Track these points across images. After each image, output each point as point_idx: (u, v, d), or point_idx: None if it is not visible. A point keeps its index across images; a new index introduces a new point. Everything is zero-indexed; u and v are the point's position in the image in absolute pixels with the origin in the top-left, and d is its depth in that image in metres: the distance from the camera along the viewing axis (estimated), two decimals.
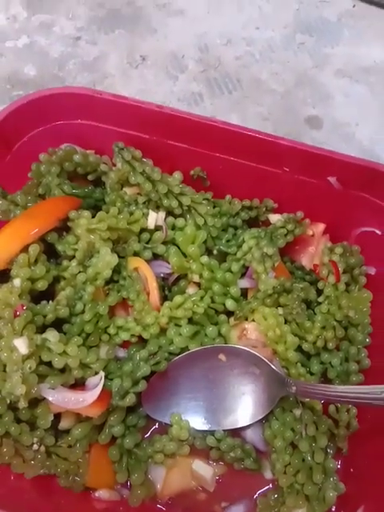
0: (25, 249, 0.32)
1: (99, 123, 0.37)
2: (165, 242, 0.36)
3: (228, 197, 0.38)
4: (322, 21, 0.62)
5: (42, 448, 0.28)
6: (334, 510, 0.31)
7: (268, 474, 0.32)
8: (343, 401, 0.30)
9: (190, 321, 0.33)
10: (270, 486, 0.32)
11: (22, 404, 0.27)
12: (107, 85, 0.55)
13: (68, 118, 0.36)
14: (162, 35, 0.60)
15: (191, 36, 0.60)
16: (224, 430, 0.32)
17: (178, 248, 0.35)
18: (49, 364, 0.29)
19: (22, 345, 0.28)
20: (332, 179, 0.34)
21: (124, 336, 0.32)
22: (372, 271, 0.37)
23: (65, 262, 0.33)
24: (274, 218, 0.37)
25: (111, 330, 0.32)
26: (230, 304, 0.34)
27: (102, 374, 0.29)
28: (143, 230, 0.35)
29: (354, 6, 0.66)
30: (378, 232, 0.36)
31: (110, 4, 0.63)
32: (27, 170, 0.35)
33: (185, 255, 0.35)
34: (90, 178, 0.38)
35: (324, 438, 0.32)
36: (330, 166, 0.34)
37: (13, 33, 0.58)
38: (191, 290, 0.35)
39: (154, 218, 0.35)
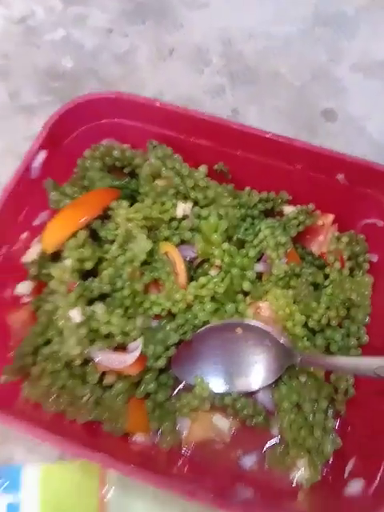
0: (74, 234, 0.38)
1: (134, 122, 0.42)
2: (191, 230, 0.40)
3: (247, 189, 0.42)
4: (340, 14, 0.64)
5: (91, 399, 0.34)
6: (331, 461, 0.36)
7: (275, 431, 0.38)
8: (341, 370, 0.35)
9: (212, 299, 0.38)
10: (277, 440, 0.37)
11: (77, 362, 0.33)
12: (137, 77, 0.58)
13: (108, 117, 0.41)
14: (188, 29, 0.63)
15: (215, 30, 0.62)
16: (239, 392, 0.37)
17: (203, 235, 0.40)
18: (96, 331, 0.35)
19: (76, 315, 0.33)
20: (340, 176, 0.39)
21: (156, 310, 0.37)
22: (374, 258, 0.42)
23: (106, 246, 0.38)
24: (288, 209, 0.42)
25: (146, 305, 0.37)
26: (246, 285, 0.39)
27: (141, 340, 0.35)
28: (172, 218, 0.40)
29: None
30: (379, 224, 0.40)
31: None
32: (74, 164, 0.41)
33: (209, 242, 0.40)
34: (125, 170, 0.43)
35: (324, 402, 0.37)
36: (338, 165, 0.38)
37: (50, 25, 0.62)
38: (213, 272, 0.40)
39: (182, 208, 0.40)
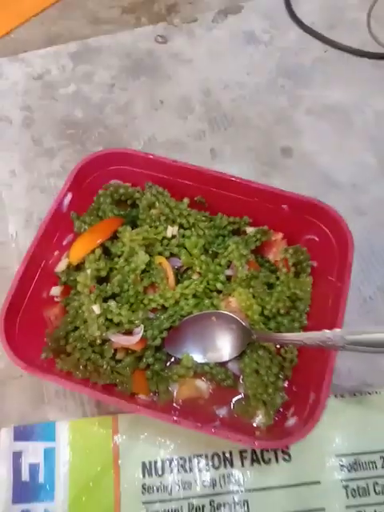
0: (92, 251, 0.52)
1: (134, 168, 0.55)
2: (178, 246, 0.54)
3: (219, 214, 0.57)
4: (299, 66, 0.77)
5: (108, 368, 0.48)
6: (281, 410, 0.50)
7: (241, 389, 0.51)
8: (284, 342, 0.48)
9: (194, 296, 0.52)
10: (242, 396, 0.51)
11: (98, 341, 0.48)
12: (135, 125, 0.71)
13: (116, 164, 0.55)
14: (175, 81, 0.76)
15: (197, 81, 0.75)
16: (214, 363, 0.51)
17: (186, 249, 0.54)
18: (111, 320, 0.49)
19: (96, 308, 0.47)
20: (284, 206, 0.53)
21: (153, 304, 0.51)
22: (314, 264, 0.56)
23: (116, 259, 0.52)
24: (250, 229, 0.56)
25: (145, 301, 0.51)
26: (219, 285, 0.53)
27: (142, 326, 0.49)
28: (164, 238, 0.53)
29: (325, 52, 0.82)
30: (316, 239, 0.55)
31: (135, 54, 0.79)
32: (91, 200, 0.55)
33: (191, 254, 0.54)
34: (128, 202, 0.58)
35: (276, 368, 0.50)
36: (282, 198, 0.52)
37: (63, 81, 0.76)
38: (195, 276, 0.53)
39: (171, 231, 0.54)
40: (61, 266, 0.52)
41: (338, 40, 0.80)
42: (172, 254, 0.55)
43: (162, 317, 0.51)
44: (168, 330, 0.51)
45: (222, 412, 0.51)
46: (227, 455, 0.50)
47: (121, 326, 0.49)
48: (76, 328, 0.50)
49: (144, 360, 0.50)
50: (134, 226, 0.55)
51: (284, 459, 0.49)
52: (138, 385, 0.50)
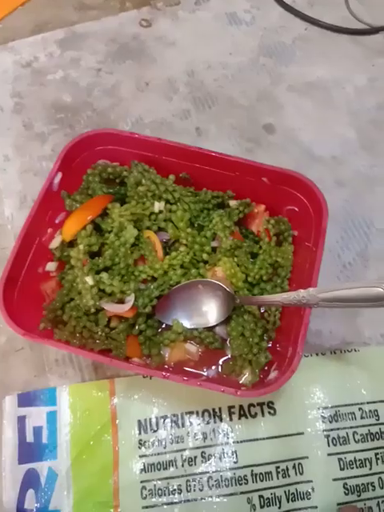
0: (83, 228, 0.55)
1: (121, 148, 0.58)
2: (165, 220, 0.57)
3: (204, 189, 0.60)
4: (280, 44, 0.79)
5: (103, 334, 0.52)
6: (265, 368, 0.54)
7: (228, 352, 0.54)
8: (266, 303, 0.52)
9: (182, 267, 0.55)
10: (229, 357, 0.55)
11: (92, 310, 0.51)
12: (122, 106, 0.73)
13: (103, 145, 0.58)
14: (159, 64, 0.78)
15: (181, 63, 0.77)
16: (203, 327, 0.54)
17: (173, 223, 0.57)
18: (103, 291, 0.52)
19: (89, 279, 0.51)
20: (264, 179, 0.56)
21: (143, 276, 0.54)
22: (295, 233, 0.59)
23: (106, 235, 0.55)
24: (233, 203, 0.59)
25: (136, 273, 0.54)
26: (205, 256, 0.56)
27: (133, 295, 0.52)
28: (152, 213, 0.57)
29: (305, 29, 0.84)
30: (296, 209, 0.58)
31: (120, 39, 0.80)
32: (80, 177, 0.58)
33: (177, 228, 0.57)
34: (117, 181, 0.61)
35: (260, 330, 0.54)
36: (261, 171, 0.55)
37: (52, 68, 0.77)
38: (182, 248, 0.56)
39: (158, 206, 0.57)
40: (55, 243, 0.55)
41: (318, 18, 0.82)
42: (160, 229, 0.58)
43: (152, 286, 0.54)
44: (158, 299, 0.54)
45: (211, 372, 0.54)
46: (217, 411, 0.54)
47: (113, 296, 0.52)
48: (71, 299, 0.53)
49: (137, 326, 0.54)
50: (122, 202, 0.58)
51: (269, 413, 0.53)
52: (132, 349, 0.53)
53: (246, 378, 0.53)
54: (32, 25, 0.84)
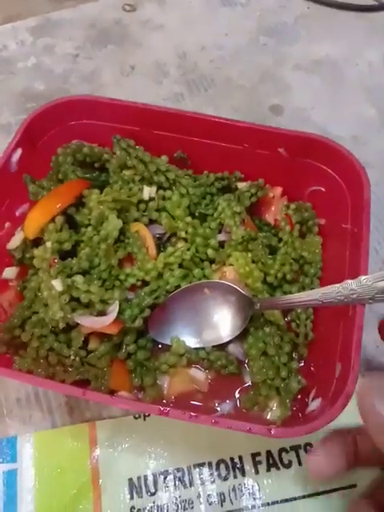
0: (52, 220, 0.42)
1: (100, 122, 0.46)
2: (157, 210, 0.45)
3: (205, 172, 0.48)
4: (281, 24, 0.73)
5: (77, 359, 0.38)
6: (299, 397, 0.40)
7: (247, 378, 0.41)
8: (297, 304, 0.37)
9: (181, 266, 0.42)
10: (249, 384, 0.41)
11: (61, 325, 0.37)
12: (103, 93, 0.63)
13: (77, 119, 0.46)
14: (146, 48, 0.70)
15: (171, 46, 0.70)
16: (212, 346, 0.41)
17: (168, 212, 0.45)
18: (77, 300, 0.39)
19: (57, 284, 0.37)
20: (281, 150, 0.44)
21: (131, 280, 0.41)
22: (322, 221, 0.47)
23: (82, 230, 0.43)
24: (242, 185, 0.47)
25: (121, 277, 0.41)
26: (210, 252, 0.43)
27: (117, 302, 0.39)
28: (140, 201, 0.45)
29: (308, 8, 0.76)
30: (322, 189, 0.46)
31: (100, 24, 0.73)
32: (49, 161, 0.46)
33: (173, 218, 0.45)
34: (96, 165, 0.48)
35: (288, 345, 0.41)
36: (278, 139, 0.43)
37: (22, 56, 0.69)
38: (180, 244, 0.44)
39: (148, 192, 0.45)
40: (15, 242, 0.43)
41: None
42: (151, 221, 0.45)
43: (143, 292, 0.41)
44: (151, 309, 0.41)
45: (225, 407, 0.40)
46: (236, 461, 0.40)
47: (91, 307, 0.39)
48: (34, 313, 0.40)
49: (124, 348, 0.40)
50: (102, 191, 0.45)
51: None
52: (118, 379, 0.39)
53: (273, 412, 0.39)
54: (4, 15, 0.75)
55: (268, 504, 0.38)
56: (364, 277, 0.33)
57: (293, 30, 0.72)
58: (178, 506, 0.38)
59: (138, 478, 0.39)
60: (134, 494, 0.38)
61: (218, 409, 0.40)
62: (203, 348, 0.41)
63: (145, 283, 0.42)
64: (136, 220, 0.45)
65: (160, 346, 0.42)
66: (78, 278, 0.39)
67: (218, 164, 0.47)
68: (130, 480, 0.39)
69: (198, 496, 0.38)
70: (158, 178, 0.45)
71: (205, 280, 0.42)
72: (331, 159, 0.42)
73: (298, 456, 0.39)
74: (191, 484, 0.39)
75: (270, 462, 0.39)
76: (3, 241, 0.43)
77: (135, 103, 0.44)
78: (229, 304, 0.41)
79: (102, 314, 0.40)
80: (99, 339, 0.40)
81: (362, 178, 0.40)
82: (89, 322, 0.38)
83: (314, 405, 0.35)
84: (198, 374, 0.41)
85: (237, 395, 0.41)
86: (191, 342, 0.42)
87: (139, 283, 0.42)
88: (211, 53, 0.69)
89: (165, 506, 0.38)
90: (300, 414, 0.37)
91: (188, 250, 0.43)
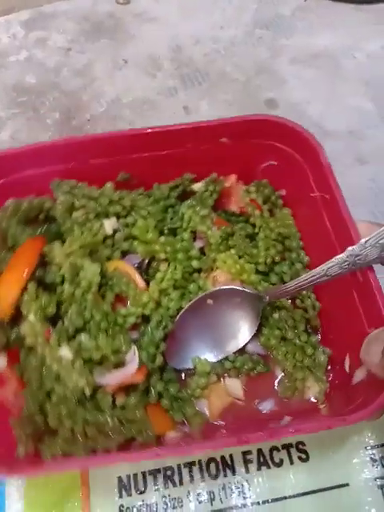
0: (23, 290, 0.38)
1: (28, 171, 0.42)
2: (126, 239, 0.43)
3: (155, 185, 0.46)
4: (278, 16, 0.71)
5: (115, 421, 0.35)
6: (329, 368, 0.41)
7: (277, 371, 0.41)
8: (307, 285, 0.36)
9: (175, 287, 0.41)
10: (282, 375, 0.41)
11: (88, 391, 0.34)
12: (96, 86, 0.64)
13: (4, 176, 0.42)
14: (139, 40, 0.69)
15: (164, 39, 0.69)
16: (234, 353, 0.41)
17: (138, 238, 0.42)
18: (90, 360, 0.36)
19: (66, 352, 0.34)
20: (224, 139, 0.43)
21: (131, 320, 0.39)
22: (283, 192, 0.47)
23: (58, 288, 0.39)
24: (197, 186, 0.46)
25: (120, 320, 0.39)
26: (195, 263, 0.42)
27: (135, 347, 0.37)
28: (106, 237, 0.42)
29: (305, 0, 0.73)
30: (273, 162, 0.45)
31: (93, 17, 0.71)
32: None
33: (146, 242, 0.42)
34: (41, 217, 0.44)
35: (301, 324, 0.41)
36: (217, 130, 0.42)
37: (14, 49, 0.68)
38: (162, 266, 0.42)
39: (109, 225, 0.42)
40: None
41: None
42: (123, 253, 0.43)
43: (150, 327, 0.39)
44: (164, 341, 0.39)
45: (267, 405, 0.40)
46: (227, 459, 0.40)
47: (107, 362, 0.36)
48: (49, 394, 0.36)
49: (152, 390, 0.38)
50: (61, 241, 0.41)
51: (300, 459, 0.40)
52: (159, 423, 0.37)
53: (314, 391, 0.40)
54: None
55: (258, 503, 0.38)
56: (365, 239, 0.33)
57: (290, 22, 0.71)
58: (167, 504, 0.38)
59: (128, 476, 0.38)
60: (123, 493, 0.38)
61: (261, 408, 0.40)
62: (226, 358, 0.41)
63: (144, 318, 0.40)
64: (108, 259, 0.42)
65: (183, 374, 0.41)
66: (82, 337, 0.36)
67: (165, 174, 0.45)
68: (120, 478, 0.38)
69: (188, 494, 0.38)
70: (113, 208, 0.43)
71: (201, 293, 0.41)
72: (277, 134, 0.42)
73: (289, 455, 0.40)
74: (181, 482, 0.38)
75: (261, 460, 0.39)
76: None
77: (59, 140, 0.41)
78: (237, 306, 0.40)
79: (117, 365, 0.37)
80: (123, 392, 0.37)
81: (312, 143, 0.40)
82: (114, 378, 0.35)
83: (360, 375, 0.36)
84: (233, 384, 0.40)
85: (274, 389, 0.41)
86: (212, 356, 0.41)
87: (139, 320, 0.40)
88: (206, 46, 0.68)
89: (154, 505, 0.38)
90: (344, 383, 0.38)
91: (175, 269, 0.41)
